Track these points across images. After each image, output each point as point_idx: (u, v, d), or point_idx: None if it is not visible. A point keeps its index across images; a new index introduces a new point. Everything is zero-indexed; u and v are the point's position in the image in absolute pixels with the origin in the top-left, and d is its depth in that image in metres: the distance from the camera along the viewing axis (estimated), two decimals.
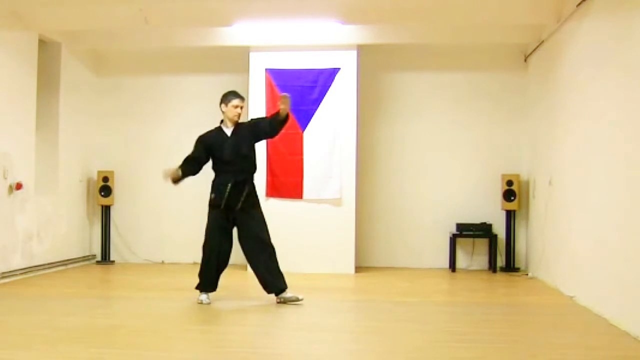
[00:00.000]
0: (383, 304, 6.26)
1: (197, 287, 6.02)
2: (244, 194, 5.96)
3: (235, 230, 6.06)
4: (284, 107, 5.83)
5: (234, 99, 6.05)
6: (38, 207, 7.86)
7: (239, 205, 5.93)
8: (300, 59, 8.41)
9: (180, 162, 8.98)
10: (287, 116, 5.91)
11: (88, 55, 9.08)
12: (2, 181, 7.14)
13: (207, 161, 6.15)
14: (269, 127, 6.02)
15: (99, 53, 9.25)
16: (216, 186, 6.03)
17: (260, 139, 6.30)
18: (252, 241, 5.98)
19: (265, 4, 7.43)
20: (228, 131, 6.06)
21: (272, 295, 6.03)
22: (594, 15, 5.96)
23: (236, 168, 6.00)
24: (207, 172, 8.94)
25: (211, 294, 6.01)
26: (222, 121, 6.15)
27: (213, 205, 6.02)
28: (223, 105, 6.07)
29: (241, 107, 6.08)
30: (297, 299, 5.95)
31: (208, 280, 5.98)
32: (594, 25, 5.98)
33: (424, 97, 8.87)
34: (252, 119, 6.45)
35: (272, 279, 5.97)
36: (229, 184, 5.92)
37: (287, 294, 5.98)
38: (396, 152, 8.89)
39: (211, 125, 8.92)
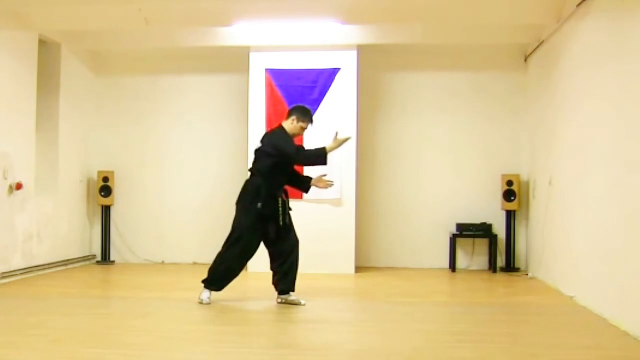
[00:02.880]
0: (383, 304, 6.26)
1: (204, 282, 5.94)
2: (288, 208, 5.97)
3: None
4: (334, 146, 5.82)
5: (307, 121, 5.96)
6: (38, 207, 7.86)
7: (289, 216, 5.95)
8: (300, 59, 8.41)
9: (180, 163, 9.09)
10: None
11: (88, 55, 9.09)
12: (2, 181, 7.14)
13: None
14: (299, 176, 6.20)
15: (98, 53, 9.25)
16: (265, 197, 5.79)
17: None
18: (287, 242, 5.92)
19: (265, 4, 7.44)
20: None
21: (274, 295, 6.03)
22: (594, 15, 5.97)
23: (285, 181, 5.99)
24: (208, 171, 8.99)
25: (212, 295, 5.98)
26: (281, 126, 6.02)
27: (261, 215, 5.79)
28: (295, 119, 5.93)
29: (304, 131, 6.05)
30: (299, 303, 5.92)
31: (219, 280, 5.90)
32: (594, 25, 5.99)
33: (424, 97, 8.87)
34: None
35: (289, 279, 5.94)
36: (280, 199, 5.84)
37: (292, 296, 5.97)
38: (396, 152, 8.89)
39: (211, 124, 9.06)
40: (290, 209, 6.01)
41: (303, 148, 5.99)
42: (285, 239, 5.92)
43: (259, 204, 5.77)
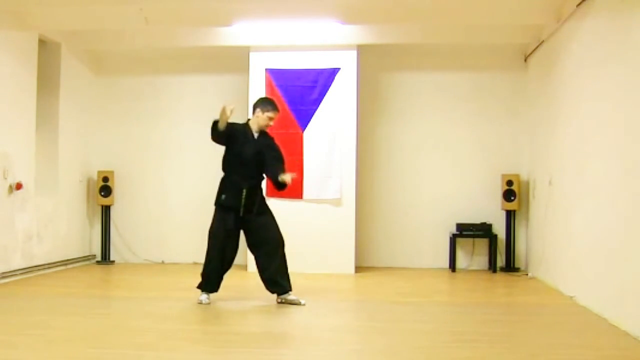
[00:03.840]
0: (383, 304, 6.26)
1: (199, 287, 6.01)
2: (258, 200, 5.96)
3: (241, 233, 6.03)
4: (287, 181, 5.84)
5: (272, 110, 5.99)
6: (38, 207, 7.86)
7: (254, 211, 5.91)
8: (300, 59, 8.42)
9: (180, 163, 9.09)
10: (284, 186, 5.92)
11: (88, 55, 9.09)
12: (2, 181, 7.14)
13: (224, 143, 5.95)
14: (273, 168, 5.95)
15: (99, 53, 9.25)
16: (228, 188, 5.92)
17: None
18: (267, 245, 5.94)
19: (265, 4, 7.43)
20: (255, 134, 6.02)
21: (274, 295, 6.03)
22: (594, 15, 5.97)
23: (250, 173, 5.96)
24: (208, 171, 8.98)
25: (211, 295, 6.00)
26: (248, 120, 6.10)
27: (223, 206, 5.92)
28: (259, 110, 5.99)
29: (273, 121, 6.05)
30: (299, 303, 5.92)
31: (210, 281, 5.96)
32: (594, 25, 5.99)
33: (423, 97, 8.87)
34: (273, 140, 6.19)
35: (280, 279, 5.96)
36: (244, 190, 5.86)
37: (290, 295, 5.97)
38: (396, 152, 8.89)
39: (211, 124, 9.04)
40: (265, 206, 6.02)
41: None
42: (264, 240, 5.94)
43: (223, 196, 5.90)
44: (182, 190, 9.16)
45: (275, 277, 5.95)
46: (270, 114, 5.98)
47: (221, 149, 8.81)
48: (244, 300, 6.34)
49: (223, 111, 5.72)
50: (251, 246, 6.05)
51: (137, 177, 9.19)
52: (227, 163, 5.99)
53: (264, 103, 6.08)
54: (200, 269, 6.08)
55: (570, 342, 4.67)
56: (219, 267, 5.96)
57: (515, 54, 8.69)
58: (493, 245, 8.43)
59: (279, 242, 5.99)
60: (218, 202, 5.97)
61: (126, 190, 9.16)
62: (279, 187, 5.98)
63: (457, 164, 8.78)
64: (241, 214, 5.88)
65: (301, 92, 8.31)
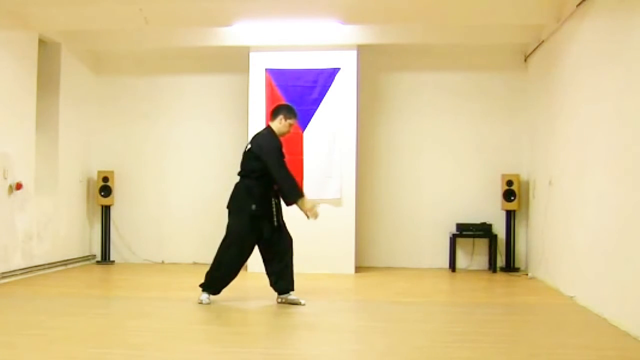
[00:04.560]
0: (383, 304, 6.26)
1: (201, 286, 5.96)
2: (281, 208, 5.95)
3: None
4: (307, 211, 5.80)
5: (294, 118, 6.02)
6: (38, 207, 7.86)
7: (280, 219, 5.91)
8: (300, 59, 8.42)
9: (180, 163, 9.10)
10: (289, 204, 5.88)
11: (88, 55, 9.09)
12: (2, 181, 7.14)
13: None
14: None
15: (98, 53, 9.25)
16: (258, 197, 5.78)
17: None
18: (278, 245, 5.92)
19: (265, 4, 7.44)
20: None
21: (274, 295, 6.03)
22: (594, 15, 5.97)
23: (273, 181, 5.93)
24: (208, 171, 8.99)
25: (212, 296, 5.99)
26: (269, 126, 6.06)
27: (251, 215, 5.79)
28: (282, 117, 5.95)
29: (292, 128, 6.09)
30: (299, 303, 5.92)
31: (215, 284, 5.91)
32: (594, 25, 5.99)
33: (423, 97, 8.87)
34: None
35: (285, 278, 5.94)
36: (273, 199, 5.82)
37: (291, 295, 5.97)
38: (396, 152, 8.89)
39: (211, 124, 9.06)
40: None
41: (285, 165, 5.83)
42: (279, 239, 5.94)
43: (253, 206, 5.78)
44: (182, 190, 9.16)
45: (281, 275, 5.94)
46: (292, 122, 6.00)
47: (222, 150, 8.90)
48: (244, 300, 6.34)
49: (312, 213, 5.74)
50: (264, 246, 5.99)
51: (137, 177, 9.19)
52: (264, 172, 5.81)
53: (289, 110, 6.04)
54: (201, 269, 6.06)
55: (570, 342, 4.68)
56: (229, 274, 5.92)
57: (515, 54, 8.69)
58: (493, 245, 8.43)
59: (289, 242, 5.99)
60: (244, 210, 5.80)
61: (126, 190, 9.16)
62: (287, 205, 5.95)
63: (457, 164, 8.78)
64: (275, 223, 5.84)
65: (301, 92, 8.31)
